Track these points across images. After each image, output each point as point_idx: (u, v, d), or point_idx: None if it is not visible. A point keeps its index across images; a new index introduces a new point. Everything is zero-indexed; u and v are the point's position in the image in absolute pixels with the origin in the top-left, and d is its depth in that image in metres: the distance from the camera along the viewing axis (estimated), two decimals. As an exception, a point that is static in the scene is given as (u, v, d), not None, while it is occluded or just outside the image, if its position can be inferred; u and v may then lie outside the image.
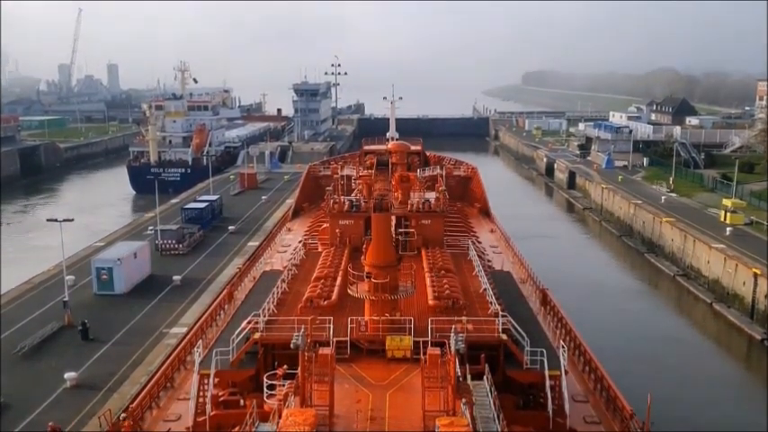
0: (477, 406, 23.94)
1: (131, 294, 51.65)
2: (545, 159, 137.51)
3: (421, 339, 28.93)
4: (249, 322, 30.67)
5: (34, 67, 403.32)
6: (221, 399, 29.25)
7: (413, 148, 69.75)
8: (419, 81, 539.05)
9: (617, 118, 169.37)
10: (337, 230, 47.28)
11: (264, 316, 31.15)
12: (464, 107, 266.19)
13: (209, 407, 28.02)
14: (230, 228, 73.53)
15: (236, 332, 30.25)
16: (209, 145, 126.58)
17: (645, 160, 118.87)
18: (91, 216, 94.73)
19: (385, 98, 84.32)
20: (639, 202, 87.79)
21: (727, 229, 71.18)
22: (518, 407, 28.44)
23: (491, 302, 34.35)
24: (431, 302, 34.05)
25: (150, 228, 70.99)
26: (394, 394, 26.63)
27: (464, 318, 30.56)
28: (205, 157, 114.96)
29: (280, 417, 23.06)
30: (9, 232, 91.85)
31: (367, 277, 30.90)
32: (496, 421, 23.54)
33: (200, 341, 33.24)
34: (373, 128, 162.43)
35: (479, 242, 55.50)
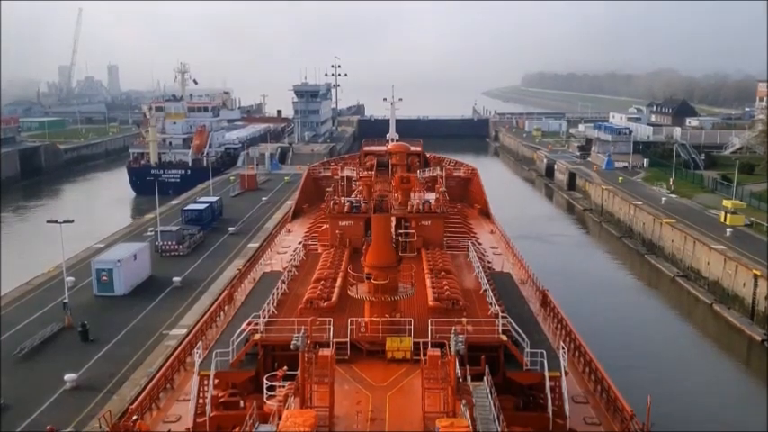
0: (477, 407, 23.96)
1: (131, 296, 51.63)
2: (545, 160, 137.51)
3: (421, 340, 28.97)
4: (249, 323, 30.70)
5: (34, 69, 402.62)
6: (221, 400, 29.25)
7: (413, 149, 69.67)
8: (419, 82, 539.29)
9: (617, 119, 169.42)
10: (337, 231, 47.30)
11: (264, 317, 31.16)
12: (464, 108, 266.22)
13: (209, 408, 28.01)
14: (230, 229, 73.51)
15: (236, 333, 30.25)
16: (209, 146, 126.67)
17: (645, 161, 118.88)
18: (91, 217, 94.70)
19: (385, 99, 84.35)
20: (639, 203, 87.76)
21: (727, 230, 71.19)
22: (518, 408, 28.41)
23: (491, 303, 34.37)
24: (431, 303, 34.07)
25: (150, 229, 71.00)
26: (394, 395, 26.64)
27: (464, 319, 30.58)
28: (205, 159, 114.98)
29: (280, 418, 23.09)
30: (9, 233, 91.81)
31: (367, 278, 30.91)
32: (496, 422, 23.55)
33: (200, 342, 33.26)
34: (373, 129, 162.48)
35: (479, 243, 55.49)
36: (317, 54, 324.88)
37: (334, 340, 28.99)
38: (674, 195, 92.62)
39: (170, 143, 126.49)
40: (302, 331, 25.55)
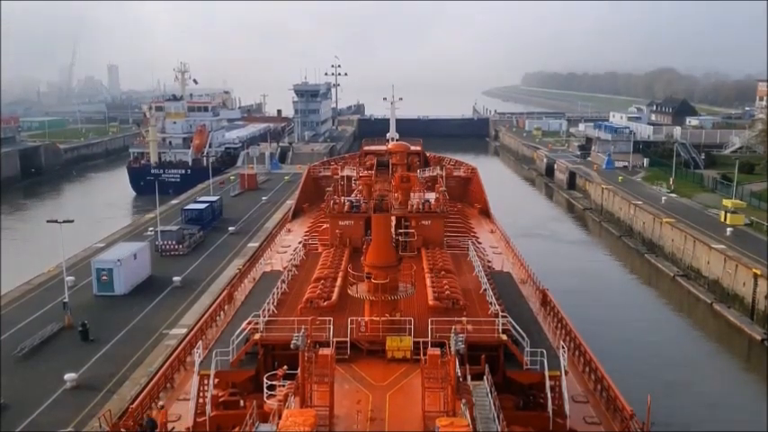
0: (477, 406, 23.98)
1: (131, 295, 51.60)
2: (545, 160, 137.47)
3: (421, 340, 28.97)
4: (249, 323, 30.70)
5: (35, 68, 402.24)
6: (221, 399, 29.28)
7: (413, 148, 69.76)
8: (419, 81, 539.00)
9: (617, 118, 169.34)
10: (337, 231, 47.32)
11: (264, 316, 31.16)
12: (464, 108, 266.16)
13: (209, 407, 28.03)
14: (230, 229, 73.47)
15: (236, 333, 30.27)
16: (210, 146, 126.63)
17: (645, 161, 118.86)
18: (91, 217, 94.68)
19: (385, 99, 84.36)
20: (640, 202, 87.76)
21: (728, 229, 71.17)
22: (518, 407, 28.43)
23: (491, 303, 34.37)
24: (431, 303, 34.08)
25: (150, 229, 70.98)
26: (394, 395, 26.65)
27: (464, 318, 30.60)
28: (205, 158, 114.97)
29: (280, 417, 23.09)
30: (9, 233, 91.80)
31: (367, 278, 30.91)
32: (496, 422, 23.56)
33: (201, 342, 33.28)
34: (373, 128, 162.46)
35: (479, 242, 55.51)
36: (317, 54, 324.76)
37: (335, 340, 29.00)
38: (674, 195, 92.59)
39: (170, 143, 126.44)
40: (302, 331, 25.57)
